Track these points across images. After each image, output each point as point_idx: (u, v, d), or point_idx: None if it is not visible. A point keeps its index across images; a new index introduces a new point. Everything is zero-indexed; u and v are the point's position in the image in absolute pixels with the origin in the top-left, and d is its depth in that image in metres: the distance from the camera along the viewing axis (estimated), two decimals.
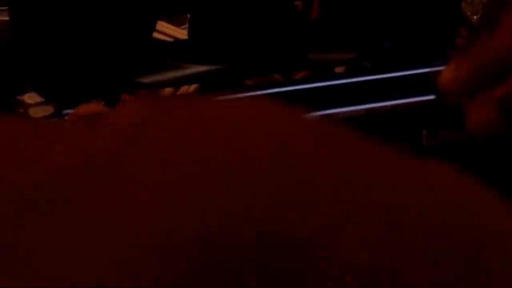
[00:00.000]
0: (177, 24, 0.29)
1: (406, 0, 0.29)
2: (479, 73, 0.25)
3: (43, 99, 0.30)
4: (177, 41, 0.28)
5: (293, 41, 0.28)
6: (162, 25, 0.29)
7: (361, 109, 0.27)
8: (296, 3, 0.28)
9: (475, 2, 0.33)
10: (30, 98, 0.32)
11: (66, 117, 0.28)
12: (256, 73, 0.29)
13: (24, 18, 0.26)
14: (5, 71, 0.33)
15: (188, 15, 0.28)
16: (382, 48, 0.29)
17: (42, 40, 0.25)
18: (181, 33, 0.29)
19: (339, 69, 0.29)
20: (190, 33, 0.28)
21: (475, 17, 0.32)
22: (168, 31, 0.29)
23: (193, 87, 0.29)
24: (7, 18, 0.33)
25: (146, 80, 0.28)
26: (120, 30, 0.26)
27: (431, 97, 0.27)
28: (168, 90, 0.29)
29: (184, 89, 0.29)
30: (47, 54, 0.26)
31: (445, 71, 0.26)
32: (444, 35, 0.29)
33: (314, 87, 0.28)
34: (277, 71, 0.29)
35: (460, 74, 0.25)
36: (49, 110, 0.31)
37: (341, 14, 0.28)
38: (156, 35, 0.28)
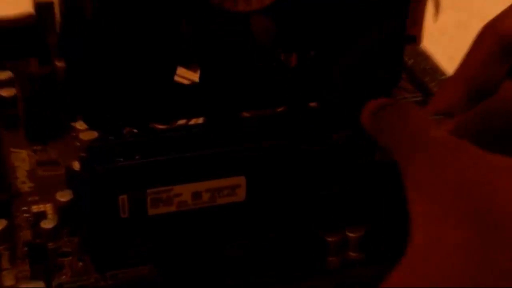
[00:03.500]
0: (194, 70, 0.37)
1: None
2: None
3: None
4: (192, 84, 0.35)
5: (277, 84, 0.35)
6: (181, 70, 0.36)
7: None
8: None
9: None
10: (80, 125, 0.40)
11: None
12: (250, 107, 0.37)
13: (76, 65, 0.33)
14: (62, 104, 0.42)
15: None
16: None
17: (88, 82, 0.32)
18: (195, 77, 0.36)
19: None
20: (200, 78, 0.35)
21: (416, 66, 0.38)
22: (186, 75, 0.37)
23: (200, 119, 0.37)
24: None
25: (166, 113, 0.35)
26: (150, 73, 0.32)
27: None
28: (181, 121, 0.37)
29: (193, 120, 0.37)
30: (91, 93, 0.32)
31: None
32: (390, 79, 0.37)
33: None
34: (266, 106, 0.37)
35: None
36: (95, 134, 0.38)
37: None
38: (176, 78, 0.35)
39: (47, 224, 0.36)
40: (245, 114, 0.37)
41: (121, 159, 0.34)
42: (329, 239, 0.37)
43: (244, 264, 0.36)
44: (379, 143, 0.30)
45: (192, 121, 0.37)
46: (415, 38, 0.41)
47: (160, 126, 0.37)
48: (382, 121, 0.30)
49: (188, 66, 0.36)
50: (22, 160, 0.41)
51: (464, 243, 0.23)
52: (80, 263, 0.36)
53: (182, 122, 0.37)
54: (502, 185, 0.23)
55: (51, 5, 0.37)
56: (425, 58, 0.44)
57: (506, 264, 0.22)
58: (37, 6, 0.40)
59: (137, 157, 0.34)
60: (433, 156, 0.25)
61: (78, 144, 0.39)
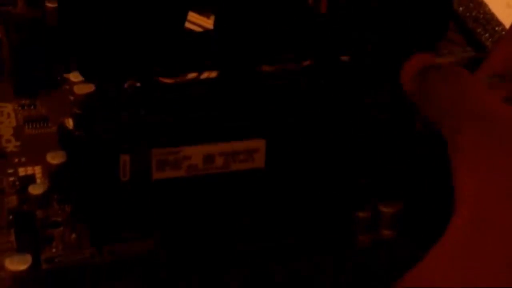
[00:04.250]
0: (207, 15, 0.33)
1: None
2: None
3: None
4: (205, 31, 0.31)
5: (303, 33, 0.31)
6: (192, 15, 0.32)
7: None
8: None
9: None
10: (75, 76, 0.36)
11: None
12: (271, 61, 0.32)
13: (70, 5, 0.29)
14: (54, 52, 0.37)
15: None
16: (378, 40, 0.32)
17: (85, 25, 0.28)
18: (209, 23, 0.32)
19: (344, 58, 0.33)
20: (215, 25, 0.31)
21: (468, 14, 0.34)
22: (198, 21, 0.33)
23: (214, 73, 0.33)
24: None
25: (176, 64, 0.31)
26: (156, 18, 0.29)
27: None
28: (191, 74, 0.33)
29: (205, 74, 0.33)
30: (87, 38, 0.28)
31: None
32: (435, 29, 0.32)
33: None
34: (290, 59, 0.33)
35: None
36: (91, 87, 0.34)
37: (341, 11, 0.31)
38: (187, 24, 0.31)
39: (36, 190, 0.32)
40: (266, 68, 0.33)
41: (123, 114, 0.30)
42: (360, 214, 0.32)
43: (261, 242, 0.32)
44: (420, 110, 0.27)
45: (204, 75, 0.33)
46: None
47: (167, 80, 0.32)
48: (426, 85, 0.27)
49: (200, 11, 0.31)
50: (7, 115, 0.36)
51: None
52: (73, 235, 0.31)
53: (192, 75, 0.33)
54: None
55: None
56: (477, 4, 0.38)
57: None
58: None
59: (141, 112, 0.30)
60: (490, 128, 0.23)
61: (72, 98, 0.35)
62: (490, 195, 0.21)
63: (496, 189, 0.21)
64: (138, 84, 0.31)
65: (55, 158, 0.33)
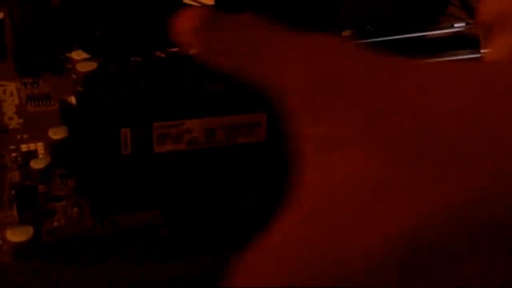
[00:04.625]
0: None
1: None
2: None
3: (88, 56, 0.33)
4: (203, 6, 0.31)
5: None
6: None
7: None
8: None
9: None
10: (77, 54, 0.36)
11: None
12: None
13: None
14: (56, 30, 0.37)
15: None
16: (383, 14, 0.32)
17: (87, 4, 0.28)
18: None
19: (345, 33, 0.33)
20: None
21: None
22: None
23: None
24: None
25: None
26: None
27: None
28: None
29: None
30: (90, 16, 0.28)
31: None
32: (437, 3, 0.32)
33: None
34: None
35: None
36: (93, 65, 0.34)
37: None
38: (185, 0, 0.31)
39: (38, 164, 0.32)
40: None
41: (123, 89, 0.30)
42: None
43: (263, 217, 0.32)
44: (214, 63, 0.23)
45: None
46: None
47: (167, 54, 0.32)
48: (226, 34, 0.22)
49: None
50: (9, 94, 0.36)
51: (384, 178, 0.17)
52: (75, 209, 0.31)
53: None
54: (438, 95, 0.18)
55: None
56: None
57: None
58: None
59: (142, 86, 0.30)
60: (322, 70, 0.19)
61: (74, 76, 0.35)
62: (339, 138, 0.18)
63: (345, 130, 0.18)
64: (139, 59, 0.31)
65: (57, 133, 0.33)
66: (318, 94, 0.19)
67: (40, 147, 0.34)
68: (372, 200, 0.17)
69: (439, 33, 0.32)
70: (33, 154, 0.34)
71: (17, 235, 0.29)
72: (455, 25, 0.34)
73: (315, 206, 0.18)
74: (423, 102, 0.18)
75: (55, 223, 0.31)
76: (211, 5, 0.28)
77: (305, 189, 0.18)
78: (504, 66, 0.19)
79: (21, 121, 0.35)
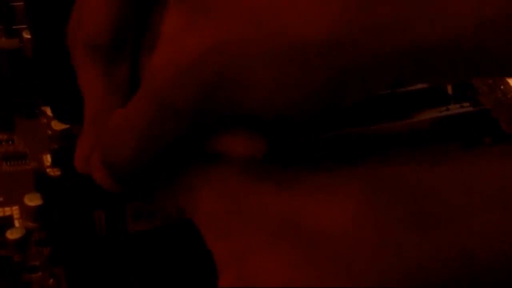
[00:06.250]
0: None
1: None
2: None
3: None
4: None
5: None
6: None
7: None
8: None
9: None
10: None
11: None
12: None
13: (43, 40, 0.27)
14: (31, 82, 0.36)
15: None
16: None
17: (56, 64, 0.27)
18: None
19: None
20: None
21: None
22: None
23: None
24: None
25: None
26: None
27: None
28: None
29: None
30: (60, 74, 0.27)
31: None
32: None
33: None
34: None
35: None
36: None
37: None
38: None
39: (14, 234, 0.32)
40: None
41: None
42: None
43: None
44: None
45: None
46: None
47: None
48: None
49: None
50: None
51: None
52: (51, 280, 0.31)
53: None
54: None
55: None
56: None
57: None
58: None
59: None
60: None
61: (50, 132, 0.34)
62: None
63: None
64: None
65: (32, 200, 0.33)
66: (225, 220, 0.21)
67: (16, 211, 0.34)
68: None
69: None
70: (9, 220, 0.33)
71: None
72: None
73: None
74: None
75: None
76: None
77: None
78: None
79: None
